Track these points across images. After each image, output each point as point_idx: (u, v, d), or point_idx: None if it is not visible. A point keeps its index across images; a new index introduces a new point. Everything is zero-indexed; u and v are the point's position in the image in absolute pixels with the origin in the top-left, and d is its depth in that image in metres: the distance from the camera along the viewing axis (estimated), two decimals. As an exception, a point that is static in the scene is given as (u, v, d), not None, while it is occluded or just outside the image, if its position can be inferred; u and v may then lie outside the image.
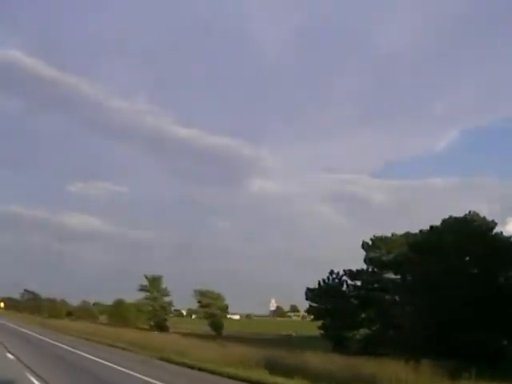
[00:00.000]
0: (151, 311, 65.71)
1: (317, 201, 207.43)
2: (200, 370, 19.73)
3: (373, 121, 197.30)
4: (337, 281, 36.99)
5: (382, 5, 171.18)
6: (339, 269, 37.81)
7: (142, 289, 67.37)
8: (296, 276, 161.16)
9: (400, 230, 39.43)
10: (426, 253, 28.93)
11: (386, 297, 35.95)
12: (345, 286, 37.64)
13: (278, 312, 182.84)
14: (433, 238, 29.62)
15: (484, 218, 30.12)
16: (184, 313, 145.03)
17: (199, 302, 65.76)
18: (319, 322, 41.48)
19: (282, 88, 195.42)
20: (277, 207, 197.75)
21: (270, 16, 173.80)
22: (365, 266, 38.58)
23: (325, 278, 37.34)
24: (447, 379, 17.86)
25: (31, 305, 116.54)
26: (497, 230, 30.18)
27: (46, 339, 33.82)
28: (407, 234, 37.38)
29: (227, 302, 66.80)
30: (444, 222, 30.14)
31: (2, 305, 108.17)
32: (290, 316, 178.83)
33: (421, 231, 31.64)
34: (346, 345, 36.50)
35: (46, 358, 21.81)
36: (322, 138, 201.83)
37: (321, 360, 23.35)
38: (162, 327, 63.42)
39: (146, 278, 67.15)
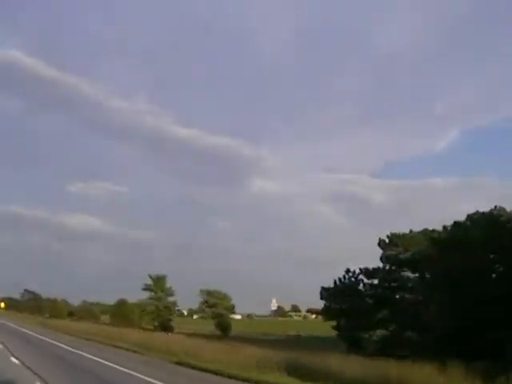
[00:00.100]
0: (155, 311, 64.07)
1: (317, 201, 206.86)
2: (217, 373, 18.09)
3: (373, 121, 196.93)
4: (353, 279, 35.37)
5: (381, 5, 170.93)
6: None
7: (146, 288, 65.76)
8: (296, 276, 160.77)
9: (411, 229, 37.84)
10: (449, 249, 27.26)
11: (405, 296, 34.30)
12: (361, 284, 36.00)
13: (279, 312, 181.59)
14: (458, 234, 27.97)
15: (511, 213, 28.46)
16: (185, 313, 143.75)
17: (206, 301, 64.09)
18: (328, 323, 40.01)
19: (282, 88, 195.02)
20: (277, 207, 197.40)
21: (270, 16, 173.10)
22: (381, 264, 37.16)
23: (341, 276, 35.72)
24: (480, 383, 16.42)
25: (32, 305, 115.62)
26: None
27: (51, 341, 32.19)
28: (425, 231, 35.75)
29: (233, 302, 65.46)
30: (469, 216, 28.50)
31: (3, 305, 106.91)
32: (291, 316, 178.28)
33: (444, 227, 30.00)
34: (361, 346, 34.86)
35: (54, 363, 20.19)
36: (321, 137, 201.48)
37: (343, 362, 21.97)
38: (166, 327, 61.80)
39: (150, 277, 65.55)
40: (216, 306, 61.16)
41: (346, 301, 34.93)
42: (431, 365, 18.32)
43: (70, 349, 25.72)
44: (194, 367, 19.90)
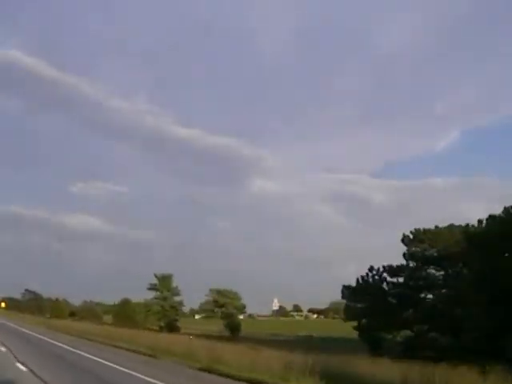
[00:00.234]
0: (161, 311, 62.12)
1: (317, 201, 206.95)
2: (252, 382, 16.16)
3: (373, 121, 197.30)
4: (377, 277, 33.48)
5: (381, 5, 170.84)
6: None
7: (152, 288, 63.83)
8: (297, 276, 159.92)
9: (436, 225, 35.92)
10: (488, 244, 25.42)
11: (432, 294, 32.53)
12: (384, 283, 34.11)
13: (281, 312, 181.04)
14: (494, 228, 26.15)
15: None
16: (186, 313, 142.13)
17: (216, 301, 62.10)
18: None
19: (282, 88, 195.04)
20: (277, 207, 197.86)
21: (270, 16, 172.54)
22: (400, 261, 35.28)
23: (364, 274, 33.86)
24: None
25: (32, 305, 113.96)
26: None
27: (60, 344, 30.20)
28: (451, 227, 33.95)
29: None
30: (506, 210, 26.65)
31: (3, 305, 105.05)
32: (292, 316, 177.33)
33: (479, 221, 28.17)
34: (384, 347, 33.10)
35: (69, 371, 18.28)
36: (321, 137, 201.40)
37: (377, 366, 20.21)
38: (172, 328, 59.97)
39: (156, 276, 63.60)
40: (226, 306, 59.19)
41: (368, 300, 33.08)
42: (469, 368, 16.82)
43: (79, 352, 23.83)
44: (221, 374, 17.91)
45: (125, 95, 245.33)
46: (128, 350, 26.86)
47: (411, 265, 33.87)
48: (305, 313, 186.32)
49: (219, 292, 61.05)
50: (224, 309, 59.18)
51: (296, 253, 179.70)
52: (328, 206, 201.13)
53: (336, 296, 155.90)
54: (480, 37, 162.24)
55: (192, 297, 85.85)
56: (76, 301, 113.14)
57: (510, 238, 25.01)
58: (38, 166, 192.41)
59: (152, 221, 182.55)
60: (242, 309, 62.91)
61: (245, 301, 64.04)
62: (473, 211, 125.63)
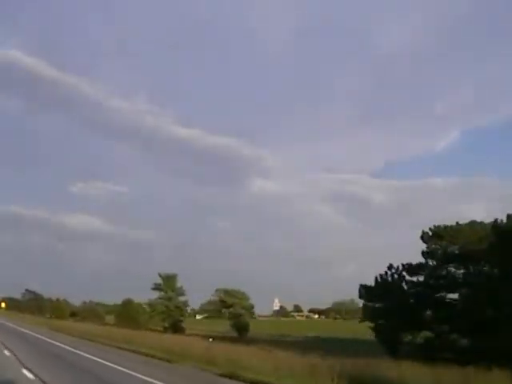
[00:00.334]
0: (166, 311, 60.67)
1: (317, 201, 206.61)
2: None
3: (373, 121, 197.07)
4: (396, 276, 32.12)
5: (381, 5, 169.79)
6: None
7: (156, 288, 62.38)
8: (297, 276, 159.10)
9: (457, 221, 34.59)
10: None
11: (453, 294, 31.16)
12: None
13: (282, 312, 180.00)
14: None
15: None
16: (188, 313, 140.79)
17: (223, 301, 60.67)
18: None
19: (282, 88, 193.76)
20: (277, 207, 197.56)
21: (270, 16, 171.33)
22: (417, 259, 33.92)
23: (382, 273, 32.46)
24: None
25: (33, 305, 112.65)
26: None
27: (68, 347, 28.85)
28: (472, 223, 32.58)
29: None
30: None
31: (3, 305, 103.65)
32: (293, 316, 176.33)
33: (509, 216, 26.83)
34: (403, 349, 31.74)
35: (79, 377, 16.90)
36: (321, 138, 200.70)
37: (404, 369, 18.99)
38: (177, 329, 58.54)
39: (160, 276, 62.15)
40: (234, 306, 57.75)
41: (387, 299, 31.71)
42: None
43: (91, 357, 22.46)
44: (244, 380, 16.57)
45: (125, 95, 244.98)
46: (140, 353, 25.44)
47: (430, 263, 32.56)
48: (305, 313, 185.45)
49: (227, 292, 59.56)
50: (232, 309, 57.72)
51: (296, 253, 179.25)
52: (328, 206, 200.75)
53: (337, 296, 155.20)
54: (480, 37, 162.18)
55: (192, 297, 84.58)
56: (76, 301, 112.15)
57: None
58: (38, 166, 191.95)
59: (152, 221, 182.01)
60: (250, 309, 61.48)
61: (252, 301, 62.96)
62: (473, 211, 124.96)
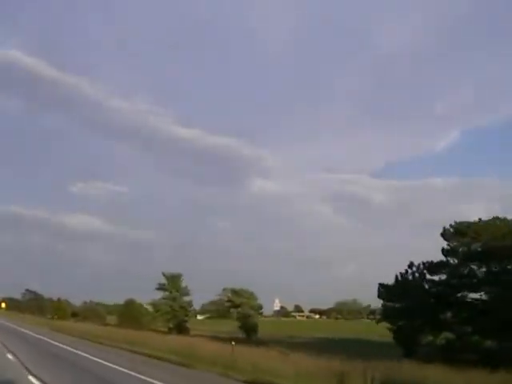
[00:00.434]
0: (170, 312, 59.19)
1: (317, 201, 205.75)
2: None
3: (373, 121, 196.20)
4: (417, 275, 30.81)
5: (381, 5, 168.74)
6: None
7: (160, 288, 60.89)
8: (297, 276, 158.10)
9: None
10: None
11: (475, 293, 29.88)
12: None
13: (282, 312, 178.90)
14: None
15: None
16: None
17: (230, 301, 59.18)
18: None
19: (282, 88, 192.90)
20: (277, 207, 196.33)
21: (270, 16, 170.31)
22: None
23: (402, 271, 31.14)
24: None
25: (33, 305, 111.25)
26: None
27: (72, 349, 27.49)
28: (495, 219, 31.32)
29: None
30: None
31: (4, 305, 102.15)
32: (294, 316, 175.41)
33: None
34: (422, 350, 30.48)
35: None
36: (322, 138, 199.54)
37: (440, 374, 17.75)
38: (181, 329, 57.11)
39: (165, 275, 60.68)
40: (242, 306, 56.27)
41: (408, 299, 30.38)
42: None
43: (102, 362, 21.09)
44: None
45: (125, 95, 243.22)
46: (152, 356, 24.02)
47: (451, 261, 31.27)
48: (306, 313, 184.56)
49: (235, 292, 58.06)
50: (240, 309, 56.23)
51: (296, 253, 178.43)
52: (328, 206, 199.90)
53: (337, 296, 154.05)
54: (480, 37, 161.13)
55: (193, 297, 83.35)
56: (76, 301, 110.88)
57: None
58: (38, 166, 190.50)
59: (152, 221, 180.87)
60: (258, 309, 60.09)
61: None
62: (473, 211, 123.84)
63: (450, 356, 26.68)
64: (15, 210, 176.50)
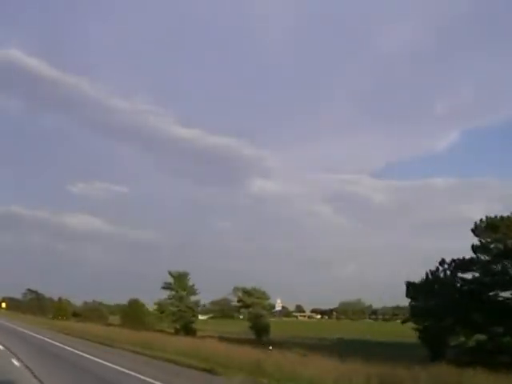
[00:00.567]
0: (177, 312, 57.34)
1: (317, 201, 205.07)
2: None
3: (373, 121, 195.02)
4: (448, 273, 29.11)
5: (381, 5, 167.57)
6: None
7: (166, 287, 59.06)
8: (298, 276, 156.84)
9: None
10: None
11: (507, 292, 28.25)
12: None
13: (283, 312, 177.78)
14: None
15: None
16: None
17: (240, 300, 57.36)
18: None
19: (282, 88, 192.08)
20: (277, 207, 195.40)
21: (270, 16, 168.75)
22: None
23: (433, 269, 29.46)
24: None
25: (34, 305, 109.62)
26: None
27: (80, 353, 25.69)
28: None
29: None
30: None
31: (4, 305, 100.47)
32: (295, 316, 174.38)
33: None
34: (451, 352, 28.86)
35: None
36: (322, 138, 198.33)
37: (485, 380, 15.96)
38: (189, 330, 55.34)
39: (171, 274, 58.84)
40: (253, 306, 54.42)
41: (437, 298, 28.69)
42: None
43: (115, 367, 19.33)
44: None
45: (125, 95, 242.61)
46: (171, 361, 22.20)
47: (483, 258, 29.58)
48: (307, 313, 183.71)
49: (246, 291, 56.18)
50: (251, 309, 54.36)
51: (296, 253, 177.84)
52: (328, 206, 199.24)
53: (337, 296, 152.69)
54: (480, 37, 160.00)
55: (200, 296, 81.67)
56: (76, 301, 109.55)
57: None
58: (38, 166, 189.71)
59: (152, 221, 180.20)
60: (269, 309, 58.26)
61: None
62: (473, 211, 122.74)
63: (481, 358, 25.01)
64: (15, 209, 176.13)
